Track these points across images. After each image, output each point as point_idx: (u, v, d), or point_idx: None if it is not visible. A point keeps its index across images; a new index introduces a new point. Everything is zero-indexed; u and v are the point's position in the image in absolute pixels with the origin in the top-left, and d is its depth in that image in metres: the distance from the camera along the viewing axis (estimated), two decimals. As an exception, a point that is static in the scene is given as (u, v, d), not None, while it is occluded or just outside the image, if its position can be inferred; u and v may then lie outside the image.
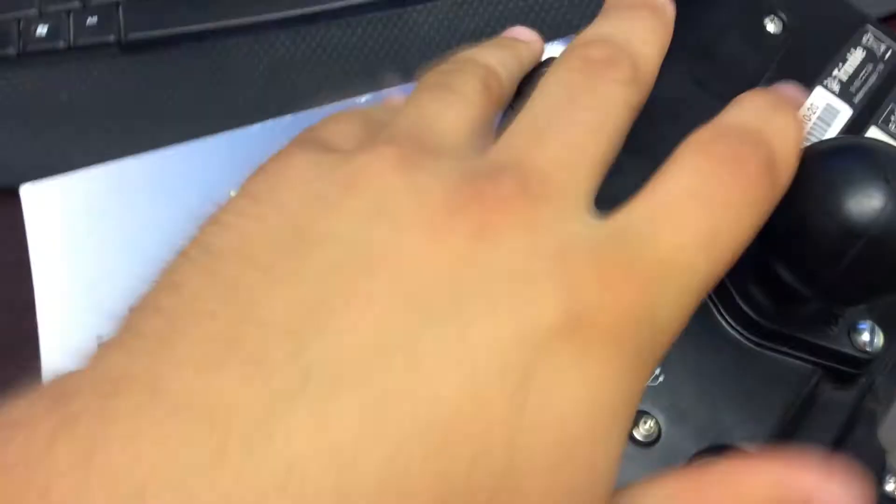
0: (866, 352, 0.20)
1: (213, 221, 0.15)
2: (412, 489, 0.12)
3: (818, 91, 0.24)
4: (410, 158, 0.15)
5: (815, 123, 0.24)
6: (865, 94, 0.24)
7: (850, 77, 0.24)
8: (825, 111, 0.24)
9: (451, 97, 0.18)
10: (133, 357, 0.13)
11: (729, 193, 0.15)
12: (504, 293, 0.13)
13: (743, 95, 0.18)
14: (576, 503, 0.13)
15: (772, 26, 0.24)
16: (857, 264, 0.15)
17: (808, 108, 0.24)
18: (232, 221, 0.15)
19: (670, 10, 0.19)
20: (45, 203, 0.28)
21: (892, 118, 0.24)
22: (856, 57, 0.25)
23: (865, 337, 0.20)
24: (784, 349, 0.20)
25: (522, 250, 0.14)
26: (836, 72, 0.25)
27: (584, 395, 0.13)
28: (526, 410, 0.13)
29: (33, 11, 0.33)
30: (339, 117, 0.18)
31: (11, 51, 0.33)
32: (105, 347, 0.13)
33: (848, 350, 0.20)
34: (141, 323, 0.13)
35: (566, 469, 0.13)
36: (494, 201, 0.14)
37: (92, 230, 0.28)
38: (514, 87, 0.20)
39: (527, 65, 0.21)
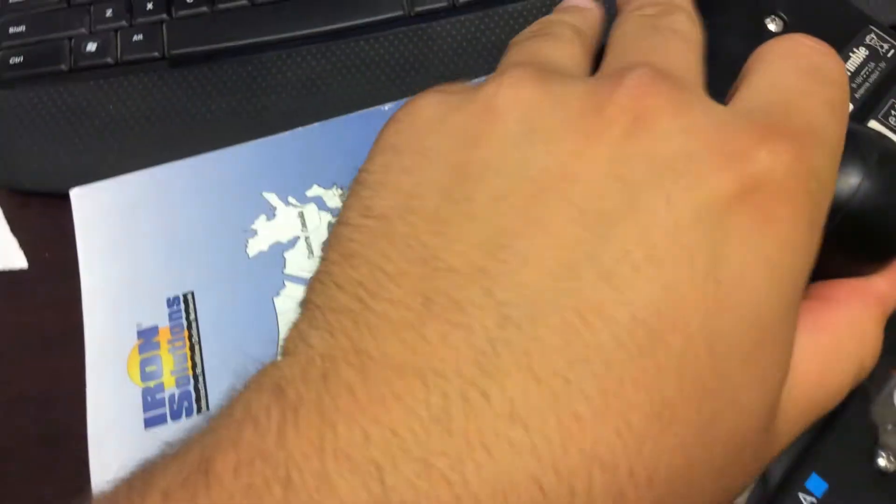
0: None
1: (362, 184, 0.15)
2: (629, 401, 0.12)
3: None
4: (541, 75, 0.15)
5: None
6: (867, 91, 0.25)
7: (851, 74, 0.25)
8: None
9: (550, 39, 0.18)
10: (333, 335, 0.13)
11: (833, 70, 0.16)
12: (672, 176, 0.13)
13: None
14: (771, 384, 0.14)
15: (773, 26, 0.25)
16: (835, 239, 0.16)
17: None
18: (384, 180, 0.14)
19: None
20: (92, 205, 0.30)
21: (893, 112, 0.25)
22: (858, 55, 0.25)
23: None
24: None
25: (678, 132, 0.14)
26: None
27: (766, 275, 0.13)
28: (720, 304, 0.13)
29: (84, 30, 0.36)
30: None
31: (63, 66, 0.35)
32: (298, 331, 0.13)
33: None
34: (328, 299, 0.13)
35: (759, 356, 0.13)
36: (639, 90, 0.14)
37: (135, 230, 0.29)
38: (596, 44, 0.20)
39: (595, 27, 0.21)
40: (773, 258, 0.13)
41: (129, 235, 0.30)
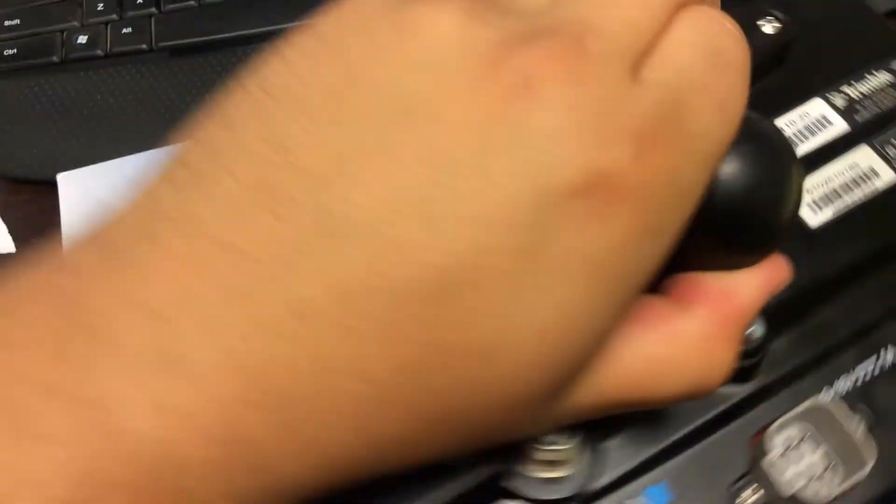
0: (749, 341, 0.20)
1: (278, 55, 0.15)
2: (408, 336, 0.13)
3: (816, 101, 0.24)
4: (475, 11, 0.14)
5: (799, 130, 0.24)
6: (874, 115, 0.24)
7: (861, 96, 0.24)
8: (816, 121, 0.24)
9: None
10: (176, 192, 0.13)
11: (739, 62, 0.15)
12: (532, 148, 0.13)
13: None
14: (567, 362, 0.14)
15: (768, 27, 0.24)
16: (702, 230, 0.16)
17: (801, 115, 0.24)
18: (293, 59, 0.14)
19: None
20: (78, 190, 0.31)
21: (892, 143, 0.24)
22: (878, 79, 0.25)
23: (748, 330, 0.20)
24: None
25: (561, 106, 0.13)
26: (845, 87, 0.25)
27: (597, 256, 0.13)
28: (533, 266, 0.13)
29: (76, 23, 0.36)
30: None
31: (55, 58, 0.35)
32: (155, 177, 0.14)
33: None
34: (189, 153, 0.14)
35: (561, 327, 0.13)
36: (544, 54, 0.13)
37: None
38: None
39: None
40: (595, 257, 0.13)
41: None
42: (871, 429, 0.21)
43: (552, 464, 0.20)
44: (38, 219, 0.33)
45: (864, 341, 0.22)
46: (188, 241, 0.13)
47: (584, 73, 0.13)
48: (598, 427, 0.20)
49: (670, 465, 0.20)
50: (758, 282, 0.17)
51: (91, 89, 0.35)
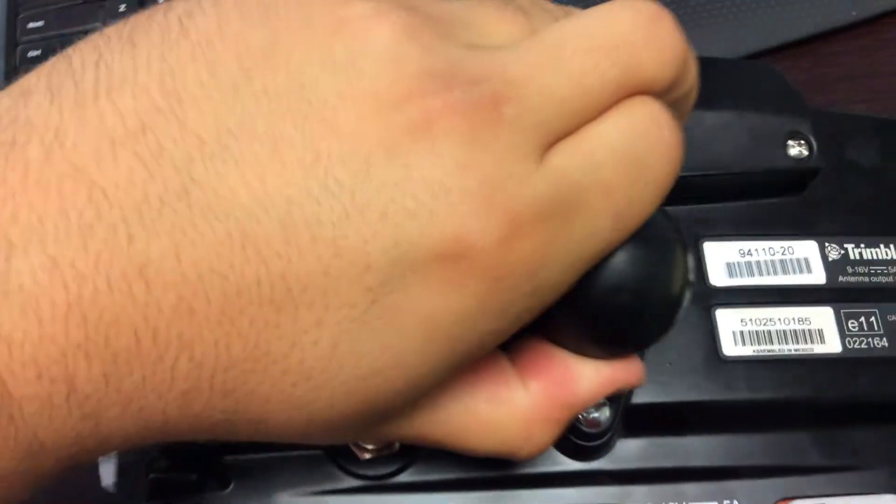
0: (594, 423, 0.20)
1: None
2: (240, 332, 0.13)
3: (810, 243, 0.23)
4: (416, 30, 0.14)
5: (774, 261, 0.23)
6: (858, 285, 0.23)
7: (858, 260, 0.23)
8: (796, 261, 0.23)
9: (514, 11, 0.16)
10: (52, 98, 0.13)
11: (658, 170, 0.15)
12: (410, 196, 0.13)
13: None
14: (387, 403, 0.14)
15: (794, 150, 0.22)
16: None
17: (784, 248, 0.23)
18: (225, 6, 0.14)
19: None
20: None
21: (858, 322, 0.22)
22: (887, 253, 0.23)
23: (595, 413, 0.20)
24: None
25: (451, 163, 0.13)
26: (849, 244, 0.23)
27: (440, 319, 0.13)
28: (377, 311, 0.13)
29: (98, 24, 0.36)
30: None
31: None
32: (38, 72, 0.13)
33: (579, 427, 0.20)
34: (81, 55, 0.13)
35: (388, 374, 0.14)
36: (456, 104, 0.13)
37: None
38: None
39: None
40: (438, 320, 0.13)
41: None
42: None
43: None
44: None
45: (712, 483, 0.21)
46: (47, 160, 0.12)
47: (487, 138, 0.13)
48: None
49: (463, 496, 0.21)
50: (602, 377, 0.17)
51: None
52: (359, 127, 0.13)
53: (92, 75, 0.13)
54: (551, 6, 0.16)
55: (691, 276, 0.17)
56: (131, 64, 0.13)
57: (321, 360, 0.13)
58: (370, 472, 0.21)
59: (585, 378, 0.17)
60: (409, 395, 0.14)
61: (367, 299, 0.13)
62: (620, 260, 0.16)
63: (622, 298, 0.16)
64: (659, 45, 0.14)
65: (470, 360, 0.14)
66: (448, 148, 0.13)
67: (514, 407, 0.16)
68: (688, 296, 0.17)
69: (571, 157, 0.14)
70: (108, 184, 0.12)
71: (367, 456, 0.20)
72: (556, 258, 0.14)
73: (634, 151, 0.14)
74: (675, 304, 0.17)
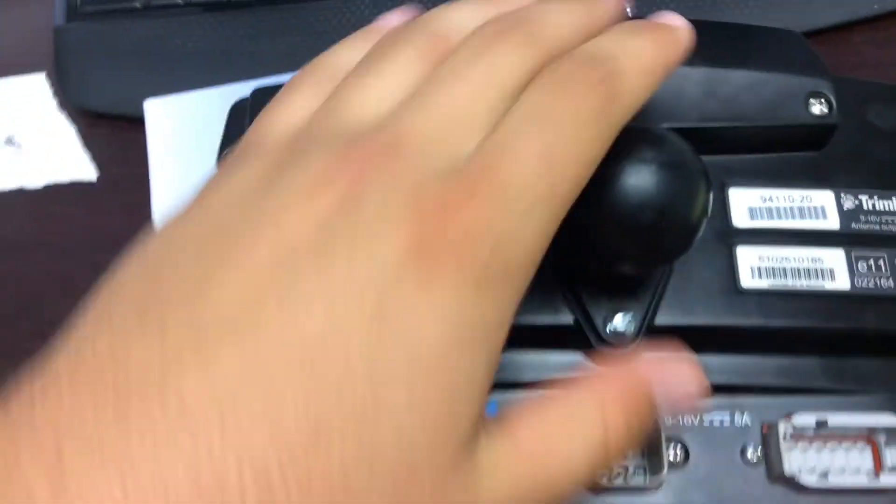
0: (620, 336, 0.23)
1: (185, 213, 0.16)
2: (288, 424, 0.13)
3: (826, 193, 0.25)
4: (285, 164, 0.16)
5: (792, 207, 0.25)
6: (870, 232, 0.25)
7: (871, 210, 0.25)
8: (813, 208, 0.25)
9: (387, 68, 0.18)
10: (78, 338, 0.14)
11: (560, 111, 0.16)
12: (362, 238, 0.14)
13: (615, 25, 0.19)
14: (437, 416, 0.14)
15: (816, 108, 0.25)
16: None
17: (803, 197, 0.25)
18: (192, 217, 0.16)
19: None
20: (164, 116, 0.35)
21: (867, 263, 0.24)
22: None
23: (620, 325, 0.23)
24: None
25: (382, 201, 0.15)
26: (863, 196, 0.25)
27: (432, 319, 0.14)
28: (383, 338, 0.14)
29: None
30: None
31: (137, 4, 0.38)
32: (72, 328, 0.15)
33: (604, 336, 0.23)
34: (92, 302, 0.15)
35: (422, 386, 0.14)
36: (361, 164, 0.15)
37: (203, 139, 0.32)
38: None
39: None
40: (432, 319, 0.14)
41: (197, 143, 0.34)
42: (682, 462, 0.23)
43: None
44: (118, 151, 0.37)
45: (725, 397, 0.24)
46: (72, 387, 0.13)
47: (395, 174, 0.15)
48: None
49: (504, 393, 0.24)
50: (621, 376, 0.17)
51: (171, 34, 0.37)
52: (294, 226, 0.15)
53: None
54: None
55: (710, 202, 0.20)
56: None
57: None
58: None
59: (559, 454, 0.17)
60: (461, 401, 0.15)
61: (374, 321, 0.14)
62: (651, 182, 0.19)
63: (648, 215, 0.19)
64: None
65: (502, 331, 0.16)
66: (370, 197, 0.15)
67: (579, 407, 0.17)
68: (705, 219, 0.20)
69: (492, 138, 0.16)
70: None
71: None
72: (505, 214, 0.15)
73: (546, 106, 0.16)
74: (696, 224, 0.20)
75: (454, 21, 0.19)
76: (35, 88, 0.39)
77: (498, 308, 0.15)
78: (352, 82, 0.18)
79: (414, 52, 0.18)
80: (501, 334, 0.16)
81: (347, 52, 0.20)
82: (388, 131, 0.16)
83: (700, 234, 0.20)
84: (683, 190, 0.19)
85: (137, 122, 0.37)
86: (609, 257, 0.21)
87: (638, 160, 0.19)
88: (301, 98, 0.19)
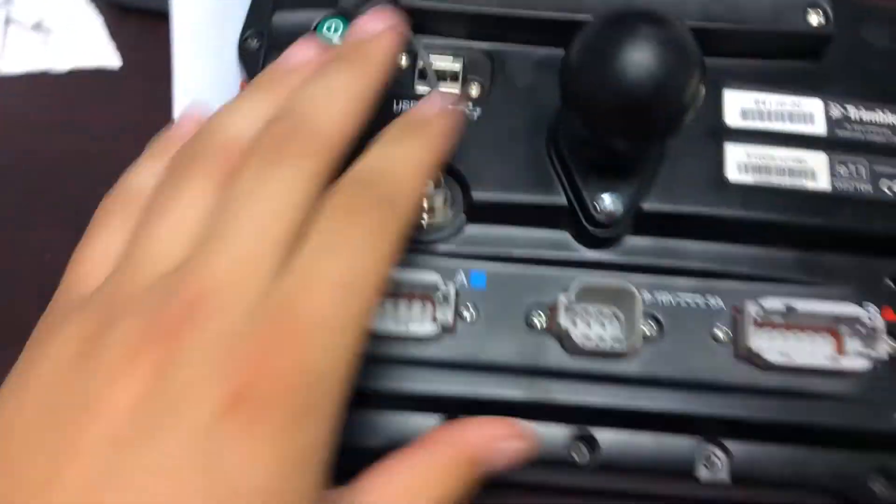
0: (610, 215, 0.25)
1: (10, 391, 0.17)
2: None
3: (815, 101, 0.27)
4: (99, 333, 0.17)
5: (782, 111, 0.26)
6: (854, 140, 0.26)
7: (858, 120, 0.26)
8: (801, 114, 0.26)
9: (181, 201, 0.19)
10: None
11: (348, 238, 0.18)
12: (182, 405, 0.15)
13: (381, 132, 0.20)
14: None
15: (813, 18, 0.26)
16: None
17: (794, 103, 0.26)
18: (19, 403, 0.17)
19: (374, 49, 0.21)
20: (188, 6, 0.35)
21: (847, 168, 0.26)
22: (885, 117, 0.26)
23: (609, 204, 0.25)
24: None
25: (195, 362, 0.16)
26: (850, 105, 0.27)
27: (260, 464, 0.15)
28: (218, 494, 0.15)
29: None
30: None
31: None
32: None
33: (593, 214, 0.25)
34: None
35: None
36: (168, 330, 0.16)
37: (225, 32, 0.32)
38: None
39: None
40: (258, 465, 0.15)
41: (220, 35, 0.34)
42: (656, 336, 0.25)
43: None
44: (142, 44, 0.38)
45: (700, 280, 0.25)
46: None
47: (201, 334, 0.16)
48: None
49: (495, 265, 0.25)
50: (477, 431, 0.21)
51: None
52: (110, 407, 0.16)
53: None
54: None
55: (702, 88, 0.21)
56: None
57: None
58: (420, 238, 0.26)
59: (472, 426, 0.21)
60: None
61: (208, 481, 0.15)
62: (650, 57, 0.20)
63: (644, 89, 0.20)
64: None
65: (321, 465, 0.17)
66: (181, 363, 0.16)
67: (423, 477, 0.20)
68: (697, 102, 0.22)
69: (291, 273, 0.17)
70: None
71: (420, 223, 0.25)
72: (311, 348, 0.16)
73: (335, 234, 0.18)
74: (687, 104, 0.21)
75: (236, 128, 0.20)
76: (65, -22, 0.40)
77: (319, 432, 0.17)
78: (150, 222, 0.19)
79: (203, 176, 0.19)
80: (326, 452, 0.17)
81: (144, 178, 0.21)
82: (188, 287, 0.17)
83: (690, 115, 0.22)
84: (679, 69, 0.21)
85: (162, 18, 0.38)
86: (603, 130, 0.22)
87: (640, 36, 0.20)
88: (108, 237, 0.20)
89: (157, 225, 0.19)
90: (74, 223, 0.34)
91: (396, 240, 0.18)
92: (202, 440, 0.15)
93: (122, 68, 0.38)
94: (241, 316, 0.16)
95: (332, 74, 0.20)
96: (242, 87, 0.30)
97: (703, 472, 0.25)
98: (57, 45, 0.39)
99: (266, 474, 0.15)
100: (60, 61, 0.38)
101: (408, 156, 0.20)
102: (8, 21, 0.39)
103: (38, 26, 0.39)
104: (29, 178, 0.36)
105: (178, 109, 0.36)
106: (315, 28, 0.27)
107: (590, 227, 0.25)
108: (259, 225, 0.17)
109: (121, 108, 0.37)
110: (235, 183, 0.18)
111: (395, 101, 0.26)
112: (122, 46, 0.38)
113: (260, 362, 0.16)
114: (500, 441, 0.21)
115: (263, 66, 0.27)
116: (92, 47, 0.39)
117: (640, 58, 0.20)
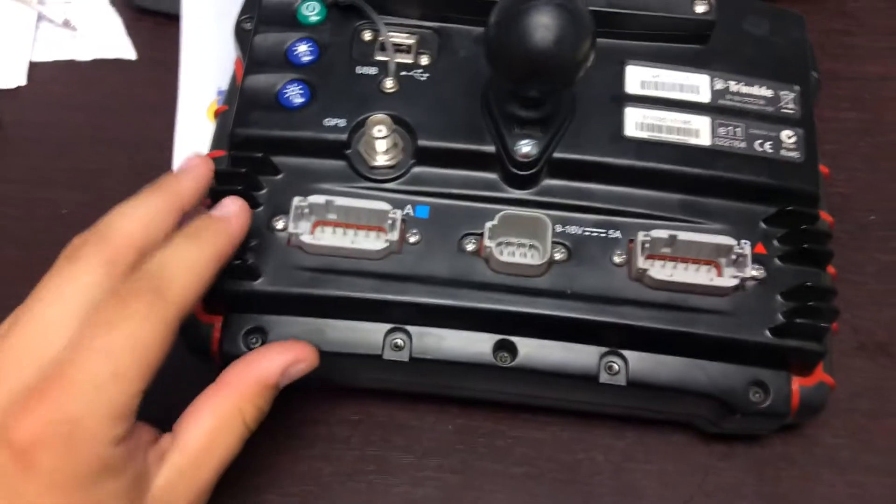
0: (527, 157, 0.30)
1: None
2: None
3: (702, 76, 0.32)
4: None
5: (674, 84, 0.32)
6: (733, 107, 0.32)
7: (738, 93, 0.32)
8: (690, 86, 0.32)
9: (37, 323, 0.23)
10: None
11: (117, 316, 0.22)
12: None
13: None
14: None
15: (700, 6, 0.32)
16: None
17: (685, 77, 0.32)
18: None
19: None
20: (196, 5, 0.41)
21: (726, 129, 0.31)
22: (761, 91, 0.32)
23: (526, 148, 0.30)
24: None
25: None
26: (732, 80, 0.32)
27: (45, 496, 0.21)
28: None
29: None
30: None
31: None
32: None
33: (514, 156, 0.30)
34: None
35: None
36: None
37: (228, 28, 0.37)
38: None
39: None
40: (47, 491, 0.21)
41: (222, 28, 0.39)
42: (565, 260, 0.30)
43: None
44: (155, 38, 0.44)
45: (603, 216, 0.31)
46: None
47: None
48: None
49: (436, 200, 0.31)
50: (269, 356, 0.27)
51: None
52: None
53: None
54: None
55: (593, 46, 0.27)
56: None
57: None
58: (375, 177, 0.31)
59: (265, 353, 0.28)
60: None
61: None
62: (552, 16, 0.26)
63: (547, 42, 0.26)
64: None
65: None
66: None
67: (227, 408, 0.26)
68: (591, 56, 0.27)
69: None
70: None
71: (374, 163, 0.31)
72: (69, 405, 0.21)
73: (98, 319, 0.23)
74: (583, 56, 0.27)
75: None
76: (91, -17, 0.47)
77: (90, 461, 0.22)
78: None
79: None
80: (102, 468, 0.22)
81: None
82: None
83: (584, 69, 0.27)
84: (573, 28, 0.26)
85: (172, 19, 0.44)
86: (516, 81, 0.28)
87: (542, 2, 0.26)
88: None
89: None
90: (88, 187, 0.40)
91: (163, 324, 0.23)
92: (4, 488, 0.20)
93: (137, 59, 0.44)
94: (20, 385, 0.22)
95: (185, 244, 0.26)
96: (237, 64, 0.36)
97: (603, 376, 0.30)
98: (82, 39, 0.45)
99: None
100: (84, 52, 0.45)
101: (185, 255, 0.25)
102: (40, 18, 0.45)
103: (66, 23, 0.45)
104: (50, 146, 0.42)
105: (183, 92, 0.42)
106: (296, 8, 0.33)
107: (512, 169, 0.30)
108: (48, 316, 0.23)
109: (135, 91, 0.44)
110: (39, 285, 0.25)
111: (357, 67, 0.32)
112: (138, 42, 0.45)
113: (34, 420, 0.21)
114: (289, 367, 0.27)
115: (252, 40, 0.33)
116: (112, 42, 0.45)
117: (540, 21, 0.26)
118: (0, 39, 0.44)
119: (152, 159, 0.41)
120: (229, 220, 0.27)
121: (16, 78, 0.44)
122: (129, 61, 0.44)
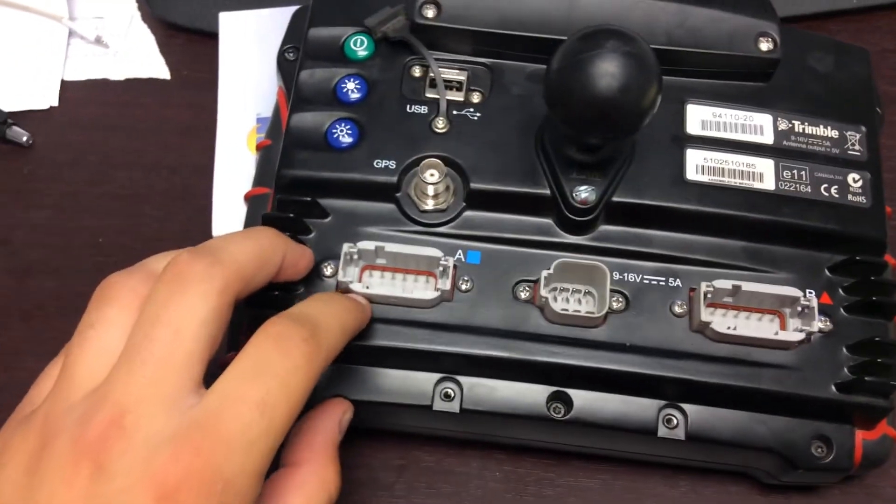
0: (585, 203, 0.29)
1: None
2: None
3: (766, 115, 0.31)
4: (41, 448, 0.20)
5: (735, 123, 0.31)
6: (798, 149, 0.30)
7: (802, 132, 0.31)
8: (753, 126, 0.31)
9: (99, 322, 0.22)
10: None
11: (272, 363, 0.21)
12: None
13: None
14: None
15: (764, 45, 0.31)
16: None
17: (746, 117, 0.31)
18: None
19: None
20: (235, 27, 0.41)
21: (791, 172, 0.30)
22: (827, 132, 0.31)
23: (585, 194, 0.29)
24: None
25: (122, 474, 0.19)
26: (796, 120, 0.31)
27: None
28: None
29: None
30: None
31: None
32: None
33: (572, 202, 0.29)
34: None
35: None
36: (98, 445, 0.19)
37: (268, 48, 0.37)
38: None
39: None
40: None
41: (261, 51, 0.40)
42: (623, 309, 0.29)
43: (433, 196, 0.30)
44: (190, 56, 0.43)
45: (663, 264, 0.30)
46: None
47: (125, 445, 0.19)
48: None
49: (489, 246, 0.30)
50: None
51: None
52: None
53: None
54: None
55: (658, 95, 0.26)
56: None
57: None
58: (425, 220, 0.30)
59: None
60: None
61: None
62: (617, 65, 0.25)
63: (611, 91, 0.25)
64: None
65: None
66: (111, 472, 0.19)
67: (311, 482, 0.25)
68: (655, 105, 0.26)
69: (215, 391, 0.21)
70: None
71: (425, 207, 0.30)
72: (223, 463, 0.20)
73: (255, 360, 0.21)
74: (647, 106, 0.26)
75: (149, 265, 0.24)
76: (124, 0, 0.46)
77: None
78: (75, 344, 0.22)
79: (117, 305, 0.22)
80: None
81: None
82: (108, 406, 0.20)
83: (649, 117, 0.26)
84: (639, 78, 0.25)
85: (208, 37, 0.43)
86: (578, 128, 0.27)
87: (609, 49, 0.25)
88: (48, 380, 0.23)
89: (80, 346, 0.22)
90: (124, 212, 0.39)
91: (315, 375, 0.22)
92: None
93: (171, 79, 0.43)
94: (160, 428, 0.19)
95: (336, 300, 0.26)
96: (280, 95, 0.35)
97: (662, 430, 0.29)
98: (114, 57, 0.44)
99: None
100: (117, 71, 0.44)
101: (337, 313, 0.25)
102: (71, 34, 0.44)
103: (98, 40, 0.44)
104: (84, 170, 0.41)
105: (221, 119, 0.41)
106: (343, 43, 0.32)
107: (569, 214, 0.29)
108: (167, 337, 0.21)
109: (169, 112, 0.43)
110: (147, 303, 0.21)
111: (408, 105, 0.31)
112: (170, 60, 0.44)
113: (184, 471, 0.19)
114: (344, 417, 0.27)
115: (297, 75, 0.32)
116: (145, 60, 0.44)
117: (606, 68, 0.25)
118: (31, 57, 0.44)
119: (191, 185, 0.40)
120: (367, 306, 0.28)
121: (48, 98, 0.43)
122: (162, 81, 0.43)
